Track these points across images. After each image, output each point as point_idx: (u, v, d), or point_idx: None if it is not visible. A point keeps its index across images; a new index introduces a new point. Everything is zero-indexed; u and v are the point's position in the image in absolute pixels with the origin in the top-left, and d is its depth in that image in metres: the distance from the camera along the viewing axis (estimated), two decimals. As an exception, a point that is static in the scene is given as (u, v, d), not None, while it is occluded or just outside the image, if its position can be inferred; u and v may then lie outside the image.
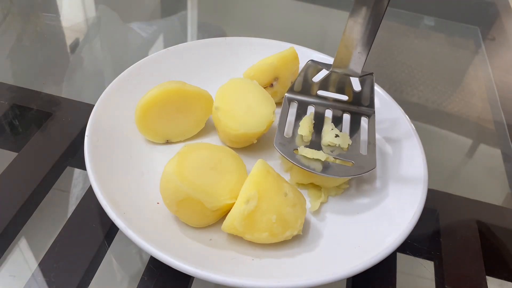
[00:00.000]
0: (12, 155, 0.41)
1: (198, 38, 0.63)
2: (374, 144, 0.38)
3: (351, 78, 0.40)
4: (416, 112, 0.55)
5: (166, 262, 0.29)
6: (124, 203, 0.33)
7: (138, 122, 0.39)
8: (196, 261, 0.30)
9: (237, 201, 0.32)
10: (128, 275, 0.34)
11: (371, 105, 0.41)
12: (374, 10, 0.34)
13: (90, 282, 0.33)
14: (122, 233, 0.36)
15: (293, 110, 0.41)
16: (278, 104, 0.46)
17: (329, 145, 0.38)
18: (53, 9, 0.66)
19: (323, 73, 0.40)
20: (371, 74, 0.39)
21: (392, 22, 0.72)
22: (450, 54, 0.69)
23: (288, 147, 0.37)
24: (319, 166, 0.36)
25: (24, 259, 0.35)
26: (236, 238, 0.34)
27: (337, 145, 0.38)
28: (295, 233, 0.33)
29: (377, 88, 0.46)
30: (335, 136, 0.38)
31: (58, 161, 0.41)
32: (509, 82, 0.61)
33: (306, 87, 0.41)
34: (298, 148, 0.37)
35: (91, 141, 0.36)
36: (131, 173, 0.37)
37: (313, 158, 0.36)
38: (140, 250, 0.35)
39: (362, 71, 0.39)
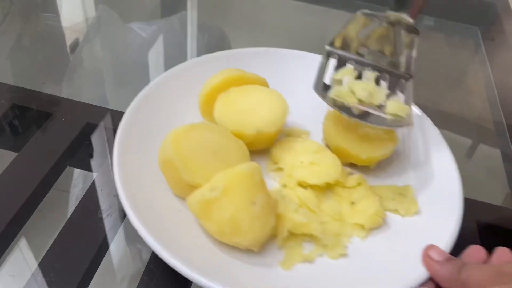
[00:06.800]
0: (12, 155, 0.41)
1: (198, 38, 0.63)
2: (411, 106, 0.38)
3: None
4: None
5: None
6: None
7: (201, 108, 0.41)
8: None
9: (204, 185, 0.32)
10: (128, 275, 0.34)
11: (409, 69, 0.40)
12: None
13: (90, 282, 0.33)
14: (122, 233, 0.36)
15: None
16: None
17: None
18: (53, 9, 0.66)
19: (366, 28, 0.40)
20: (418, 33, 0.39)
21: (392, 22, 0.72)
22: (450, 54, 0.69)
23: (325, 91, 0.38)
24: (356, 111, 0.36)
25: (24, 259, 0.35)
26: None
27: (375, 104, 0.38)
28: (245, 243, 0.32)
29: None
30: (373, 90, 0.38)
31: (58, 161, 0.41)
32: (509, 82, 0.61)
33: (347, 42, 0.40)
34: (333, 89, 0.38)
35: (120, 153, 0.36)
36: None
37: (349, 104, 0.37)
38: (140, 250, 0.36)
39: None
